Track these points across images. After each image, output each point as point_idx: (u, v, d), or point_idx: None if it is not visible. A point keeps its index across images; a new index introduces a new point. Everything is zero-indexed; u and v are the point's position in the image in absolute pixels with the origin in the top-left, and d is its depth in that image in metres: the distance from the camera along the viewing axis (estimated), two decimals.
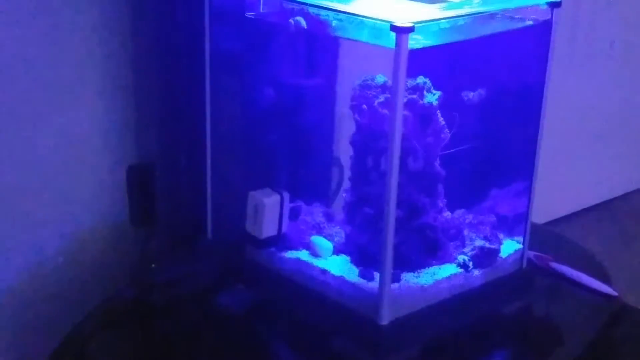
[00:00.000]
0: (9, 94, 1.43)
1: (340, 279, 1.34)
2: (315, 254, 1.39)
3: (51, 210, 1.52)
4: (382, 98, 1.31)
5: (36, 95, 1.46)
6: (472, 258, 1.39)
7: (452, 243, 1.40)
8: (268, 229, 1.40)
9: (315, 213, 1.47)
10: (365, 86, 1.33)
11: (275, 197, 1.39)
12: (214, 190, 1.49)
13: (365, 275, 1.32)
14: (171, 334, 1.35)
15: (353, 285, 1.32)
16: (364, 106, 1.32)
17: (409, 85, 1.29)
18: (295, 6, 1.31)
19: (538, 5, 1.36)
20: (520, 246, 1.46)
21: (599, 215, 2.63)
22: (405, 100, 1.24)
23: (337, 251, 1.40)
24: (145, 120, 1.58)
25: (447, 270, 1.37)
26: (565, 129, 2.37)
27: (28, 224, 1.51)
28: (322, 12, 1.28)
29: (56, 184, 1.52)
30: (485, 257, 1.41)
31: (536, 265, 1.52)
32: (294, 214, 1.44)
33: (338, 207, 1.46)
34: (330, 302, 1.34)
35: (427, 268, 1.36)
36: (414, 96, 1.30)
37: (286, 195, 1.40)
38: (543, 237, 1.59)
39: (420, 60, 1.24)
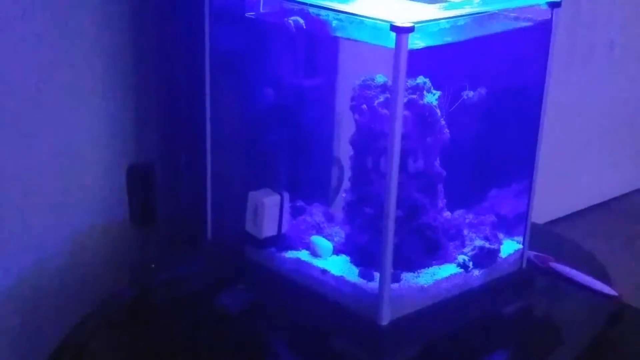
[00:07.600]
0: (9, 94, 1.43)
1: (340, 279, 1.33)
2: (315, 254, 1.39)
3: (51, 210, 1.52)
4: (382, 98, 1.31)
5: (36, 95, 1.46)
6: (472, 258, 1.39)
7: (452, 243, 1.40)
8: (268, 229, 1.40)
9: (315, 213, 1.47)
10: (365, 86, 1.33)
11: (275, 197, 1.40)
12: (214, 190, 1.49)
13: (365, 275, 1.32)
14: (171, 334, 1.35)
15: (353, 285, 1.32)
16: (364, 106, 1.32)
17: (409, 85, 1.29)
18: (295, 6, 1.31)
19: (538, 5, 1.36)
20: (520, 246, 1.46)
21: (599, 215, 2.63)
22: (405, 100, 1.24)
23: (337, 251, 1.40)
24: (145, 120, 1.57)
25: (447, 270, 1.37)
26: (565, 129, 2.36)
27: (28, 224, 1.51)
28: (322, 12, 1.28)
29: (56, 183, 1.52)
30: (485, 257, 1.40)
31: (536, 265, 1.52)
32: (298, 212, 1.44)
33: (338, 207, 1.46)
34: (330, 302, 1.34)
35: (427, 268, 1.36)
36: (414, 96, 1.30)
37: (286, 195, 1.40)
38: (543, 237, 1.59)
39: (420, 60, 1.24)
